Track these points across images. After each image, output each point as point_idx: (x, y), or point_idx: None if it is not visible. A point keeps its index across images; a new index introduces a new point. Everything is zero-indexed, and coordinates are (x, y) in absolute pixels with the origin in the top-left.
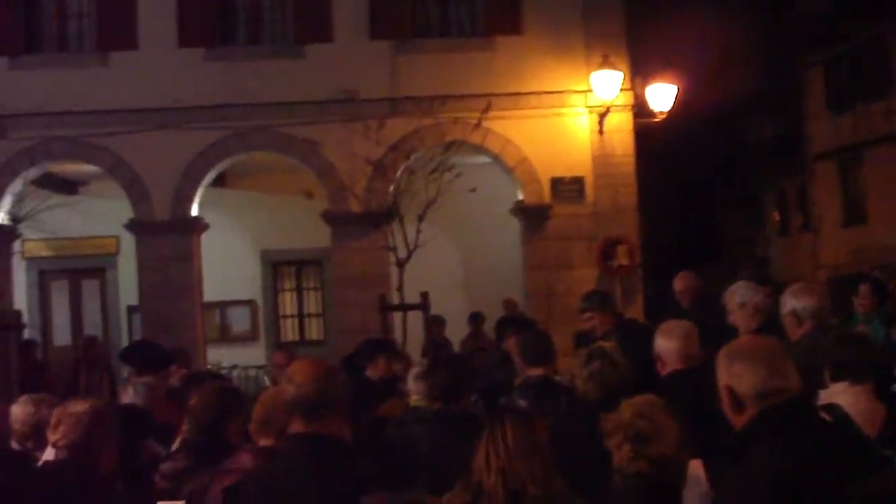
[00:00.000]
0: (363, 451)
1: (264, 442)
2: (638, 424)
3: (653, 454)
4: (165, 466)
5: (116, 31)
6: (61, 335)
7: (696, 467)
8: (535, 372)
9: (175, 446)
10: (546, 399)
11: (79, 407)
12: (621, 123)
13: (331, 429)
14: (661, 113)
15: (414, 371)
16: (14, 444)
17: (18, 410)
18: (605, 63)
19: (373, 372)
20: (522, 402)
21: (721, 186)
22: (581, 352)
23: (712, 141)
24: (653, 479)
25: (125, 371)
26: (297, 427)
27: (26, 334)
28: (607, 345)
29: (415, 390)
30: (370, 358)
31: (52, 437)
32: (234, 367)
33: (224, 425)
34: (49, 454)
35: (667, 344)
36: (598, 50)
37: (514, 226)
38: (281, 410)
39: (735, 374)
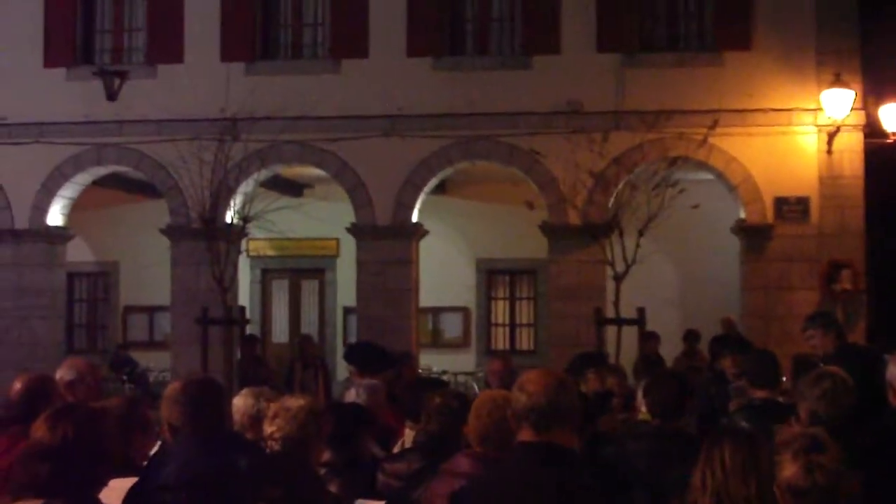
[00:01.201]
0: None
1: (480, 449)
2: (812, 433)
3: (828, 465)
4: (398, 466)
5: (349, 39)
6: (280, 332)
7: None
8: (760, 394)
9: (398, 448)
10: (771, 421)
11: (295, 402)
12: (851, 143)
13: (561, 439)
14: (894, 134)
15: (643, 386)
16: None
17: (240, 402)
18: (837, 81)
19: (584, 387)
20: (746, 425)
21: None
22: (809, 373)
23: None
24: (826, 495)
25: (341, 371)
26: (525, 436)
27: (248, 330)
28: (835, 368)
29: (643, 403)
30: (580, 372)
31: (268, 428)
32: (445, 372)
33: (460, 430)
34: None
35: None
36: (830, 67)
37: (734, 245)
38: (510, 419)
39: None
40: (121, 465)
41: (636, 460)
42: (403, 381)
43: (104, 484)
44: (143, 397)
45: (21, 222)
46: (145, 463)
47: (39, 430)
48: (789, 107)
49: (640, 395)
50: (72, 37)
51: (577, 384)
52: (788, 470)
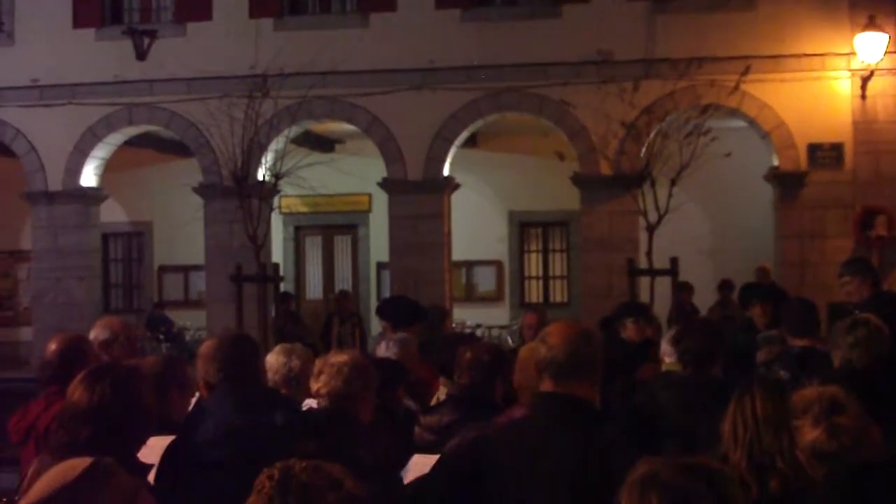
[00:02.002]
0: (613, 415)
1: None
2: (830, 394)
3: (850, 424)
4: (430, 419)
5: None
6: (313, 289)
7: None
8: (800, 342)
9: (436, 400)
10: (811, 370)
11: (340, 358)
12: (886, 87)
13: (580, 391)
14: None
15: (668, 335)
16: None
17: (272, 359)
18: (871, 24)
19: (623, 334)
20: (784, 373)
21: None
22: (843, 320)
23: None
24: (851, 453)
25: (375, 326)
26: (546, 387)
27: (282, 287)
28: (870, 315)
29: (668, 353)
30: (619, 319)
31: (314, 385)
32: (479, 326)
33: (492, 382)
34: (308, 402)
35: None
36: (864, 10)
37: (768, 193)
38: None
39: None
40: (158, 423)
41: (667, 409)
42: (438, 335)
43: (143, 442)
44: (179, 356)
45: (55, 184)
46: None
47: (77, 390)
48: (822, 51)
49: (664, 344)
50: None
51: (616, 332)
52: (810, 434)
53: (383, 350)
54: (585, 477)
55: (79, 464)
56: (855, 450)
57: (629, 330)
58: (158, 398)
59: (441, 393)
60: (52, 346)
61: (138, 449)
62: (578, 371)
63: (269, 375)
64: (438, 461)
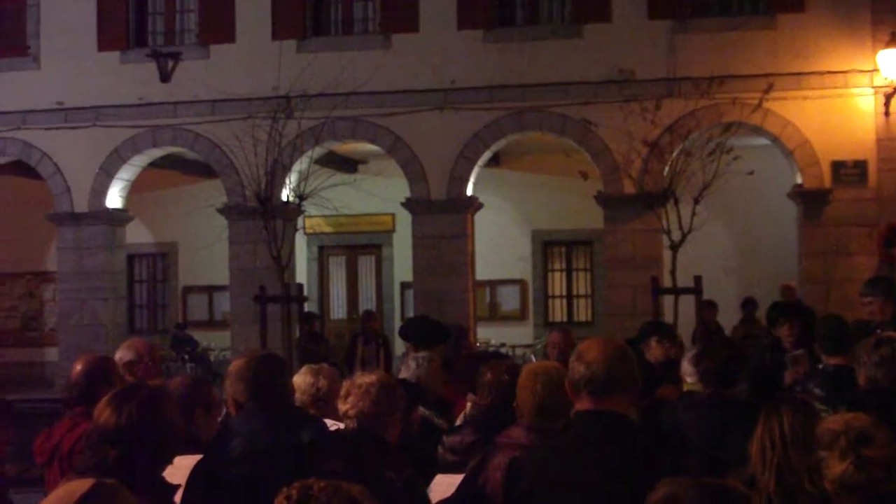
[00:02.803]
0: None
1: (528, 420)
2: (857, 426)
3: (879, 456)
4: (452, 440)
5: (399, 14)
6: (338, 309)
7: None
8: (834, 360)
9: (460, 420)
10: (845, 389)
11: (367, 379)
12: None
13: (619, 407)
14: None
15: (688, 355)
16: None
17: (300, 380)
18: (893, 41)
19: (647, 354)
20: (818, 392)
21: None
22: (867, 339)
23: None
24: (882, 484)
25: (399, 346)
26: (584, 404)
27: (306, 307)
28: (894, 333)
29: (689, 373)
30: (643, 339)
31: (342, 407)
32: (503, 345)
33: (510, 404)
34: (331, 423)
35: None
36: (886, 27)
37: (791, 210)
38: (568, 388)
39: None
40: (184, 443)
41: (689, 430)
42: (461, 354)
43: (169, 462)
44: (204, 376)
45: (81, 206)
46: (210, 440)
47: (104, 412)
48: (845, 68)
49: (684, 364)
50: (125, 20)
51: (640, 352)
52: (838, 468)
53: (406, 370)
54: (629, 493)
55: (80, 486)
56: (886, 480)
57: (653, 350)
58: (184, 418)
59: (469, 409)
60: (78, 367)
61: (164, 469)
62: (617, 387)
63: (297, 395)
64: (463, 482)
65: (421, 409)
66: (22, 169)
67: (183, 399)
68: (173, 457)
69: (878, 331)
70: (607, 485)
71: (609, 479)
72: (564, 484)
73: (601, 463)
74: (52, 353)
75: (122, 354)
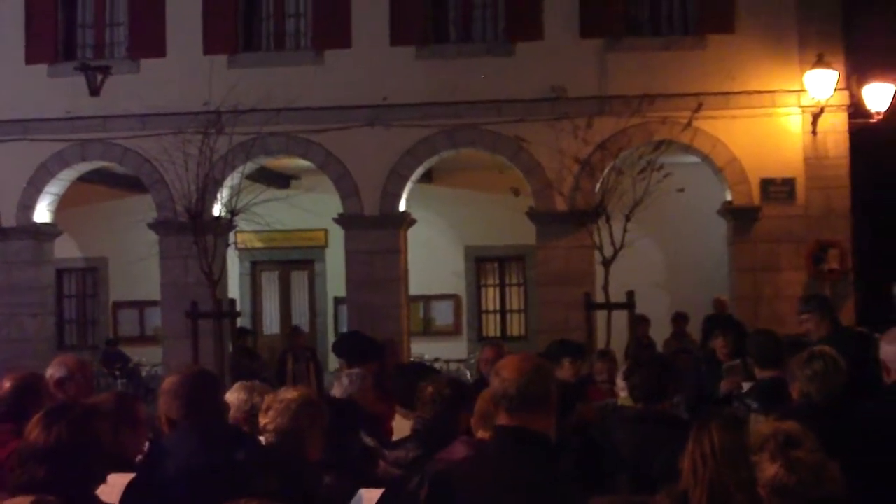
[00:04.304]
0: (566, 452)
1: (482, 434)
2: (785, 429)
3: (807, 458)
4: (395, 454)
5: (331, 30)
6: (270, 324)
7: None
8: (767, 373)
9: (396, 436)
10: (780, 402)
11: (289, 395)
12: (836, 124)
13: (535, 424)
14: (879, 113)
15: (622, 370)
16: None
17: (233, 397)
18: (820, 62)
19: (560, 374)
20: (754, 405)
21: None
22: (801, 353)
23: None
24: (811, 488)
25: (332, 361)
26: (502, 420)
27: (239, 323)
28: (826, 348)
29: (622, 388)
30: (556, 359)
31: (262, 420)
32: (437, 360)
33: (456, 416)
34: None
35: (893, 349)
36: (813, 48)
37: (721, 227)
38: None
39: None
40: (113, 461)
41: (620, 445)
42: (387, 368)
43: (101, 480)
44: (133, 392)
45: (8, 220)
46: (138, 458)
47: (34, 430)
48: (773, 88)
49: (619, 379)
50: (53, 33)
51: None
52: (769, 470)
53: (339, 388)
54: None
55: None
56: (815, 485)
57: (566, 370)
58: (112, 436)
59: (398, 424)
60: (6, 384)
61: (96, 487)
62: (532, 404)
63: (231, 413)
64: (383, 495)
65: None
66: None
67: (110, 417)
68: (105, 475)
69: (812, 346)
70: (519, 500)
71: (523, 494)
72: (479, 498)
73: (516, 478)
74: None
75: (53, 371)
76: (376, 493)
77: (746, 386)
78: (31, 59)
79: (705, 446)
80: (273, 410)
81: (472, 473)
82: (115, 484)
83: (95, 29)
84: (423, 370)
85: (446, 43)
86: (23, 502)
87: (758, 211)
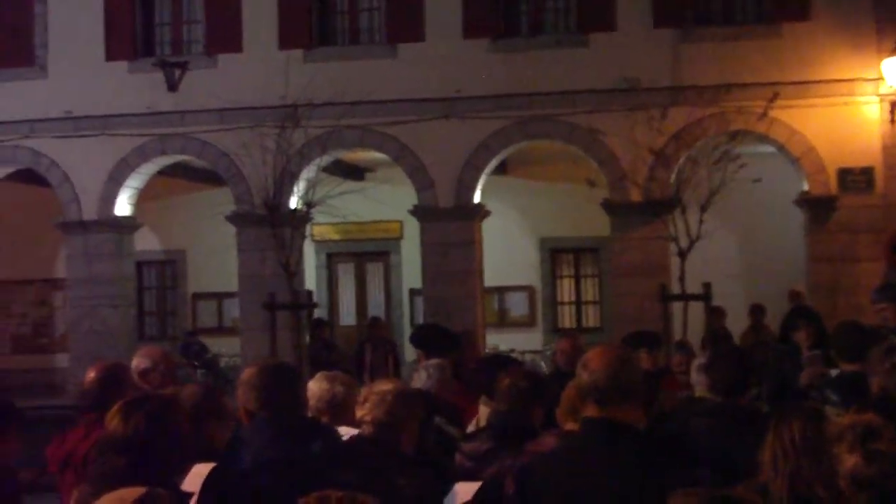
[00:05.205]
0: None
1: (570, 426)
2: (864, 421)
3: (888, 450)
4: (469, 446)
5: (404, 24)
6: (347, 315)
7: None
8: (850, 367)
9: (472, 427)
10: (861, 395)
11: (385, 386)
12: None
13: (623, 415)
14: None
15: (697, 362)
16: None
17: (315, 386)
18: None
19: None
20: (833, 397)
21: None
22: (879, 346)
23: None
24: (891, 480)
25: (409, 352)
26: (590, 412)
27: (315, 314)
28: None
29: (698, 381)
30: (633, 350)
31: (359, 412)
32: (511, 351)
33: (530, 409)
34: (346, 430)
35: None
36: (891, 35)
37: (798, 217)
38: (576, 396)
39: None
40: (200, 452)
41: (699, 437)
42: (466, 360)
43: (182, 471)
44: (218, 384)
45: (89, 214)
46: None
47: (112, 421)
48: (850, 77)
49: (693, 373)
50: (132, 30)
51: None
52: (849, 462)
53: (419, 380)
54: (635, 501)
55: (131, 493)
56: (894, 476)
57: (643, 360)
58: (197, 427)
59: (482, 414)
60: (91, 375)
61: (176, 477)
62: (621, 395)
63: (312, 402)
64: (480, 489)
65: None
66: (31, 177)
67: (195, 408)
68: (182, 466)
69: (891, 337)
70: (610, 492)
71: (612, 486)
72: (569, 490)
73: (605, 470)
74: (62, 360)
75: (137, 362)
76: (471, 486)
77: (831, 374)
78: (111, 56)
79: (785, 439)
80: (370, 402)
81: (561, 466)
82: (198, 473)
83: (173, 26)
84: (506, 361)
85: (519, 35)
86: (135, 492)
87: (835, 201)
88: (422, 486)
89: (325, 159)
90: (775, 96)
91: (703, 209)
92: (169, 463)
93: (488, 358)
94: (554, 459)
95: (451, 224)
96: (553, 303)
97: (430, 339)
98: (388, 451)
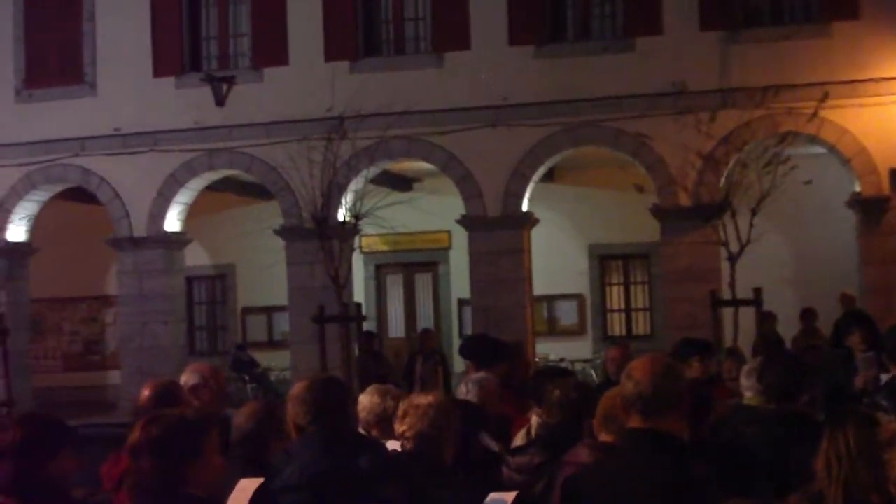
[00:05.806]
0: (704, 452)
1: (605, 437)
2: None
3: None
4: (521, 460)
5: (450, 33)
6: (396, 327)
7: None
8: None
9: (518, 440)
10: None
11: (424, 400)
12: None
13: (668, 425)
14: None
15: (746, 368)
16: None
17: (366, 400)
18: None
19: (689, 373)
20: (885, 403)
21: None
22: None
23: None
24: None
25: (458, 363)
26: (634, 422)
27: (365, 326)
28: None
29: (747, 387)
30: (684, 358)
31: (399, 427)
32: (562, 360)
33: (580, 421)
34: (393, 444)
35: None
36: None
37: (850, 219)
38: (620, 406)
39: None
40: (257, 467)
41: (755, 446)
42: (516, 370)
43: (193, 484)
44: (270, 398)
45: (139, 230)
46: None
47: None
48: None
49: (743, 379)
50: (179, 46)
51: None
52: None
53: (463, 392)
54: None
55: (252, 483)
56: None
57: (695, 368)
58: (258, 446)
59: (533, 424)
60: (146, 392)
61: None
62: (665, 405)
63: (363, 415)
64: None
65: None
66: (81, 195)
67: (256, 430)
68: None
69: None
70: (652, 499)
71: (657, 496)
72: (610, 501)
73: (651, 481)
74: (114, 377)
75: (187, 378)
76: (505, 496)
77: (884, 378)
78: (158, 71)
79: (840, 445)
80: (410, 416)
81: (605, 477)
82: (247, 488)
83: (219, 40)
84: (558, 373)
85: (565, 41)
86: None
87: (888, 202)
88: (465, 499)
89: (373, 170)
90: (825, 96)
91: (754, 213)
92: (176, 474)
93: (542, 369)
94: (598, 470)
95: (499, 233)
96: (603, 310)
97: (479, 350)
98: (431, 464)
